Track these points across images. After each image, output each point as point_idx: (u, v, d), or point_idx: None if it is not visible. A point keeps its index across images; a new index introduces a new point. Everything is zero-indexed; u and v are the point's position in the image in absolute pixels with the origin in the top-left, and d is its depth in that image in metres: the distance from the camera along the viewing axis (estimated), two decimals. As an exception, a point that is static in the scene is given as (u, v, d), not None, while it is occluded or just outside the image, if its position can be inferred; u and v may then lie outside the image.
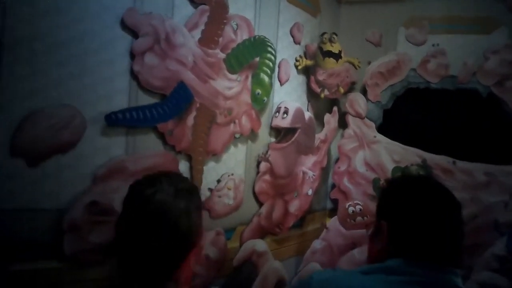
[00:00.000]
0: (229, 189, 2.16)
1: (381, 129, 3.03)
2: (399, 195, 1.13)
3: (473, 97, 2.82)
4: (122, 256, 1.06)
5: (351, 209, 2.69)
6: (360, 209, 2.67)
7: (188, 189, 1.15)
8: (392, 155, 2.94)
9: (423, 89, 2.96)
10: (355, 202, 2.72)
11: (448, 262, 1.03)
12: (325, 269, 1.24)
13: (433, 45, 2.93)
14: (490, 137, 2.79)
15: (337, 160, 3.14)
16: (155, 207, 1.04)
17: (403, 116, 3.01)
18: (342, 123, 3.12)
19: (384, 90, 3.01)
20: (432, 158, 2.85)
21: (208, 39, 2.03)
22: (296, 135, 2.53)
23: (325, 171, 3.14)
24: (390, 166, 2.93)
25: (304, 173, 2.66)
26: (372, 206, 2.88)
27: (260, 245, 2.25)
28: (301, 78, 2.77)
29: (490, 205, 2.69)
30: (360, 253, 2.63)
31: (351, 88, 3.14)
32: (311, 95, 2.84)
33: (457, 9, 2.97)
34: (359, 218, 2.66)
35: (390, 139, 2.97)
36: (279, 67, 2.51)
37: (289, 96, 2.62)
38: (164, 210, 1.03)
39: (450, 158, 2.81)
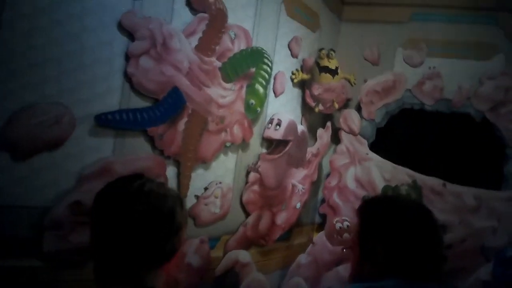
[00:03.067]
0: (216, 197, 2.15)
1: (373, 147, 3.03)
2: (387, 217, 1.14)
3: (467, 121, 2.84)
4: (110, 249, 1.01)
5: (338, 225, 2.67)
6: (348, 226, 2.66)
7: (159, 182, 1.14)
8: (383, 173, 2.93)
9: (418, 110, 2.97)
10: (342, 218, 2.70)
11: (438, 278, 1.07)
12: None
13: (429, 67, 2.95)
14: (481, 162, 2.79)
15: (328, 175, 3.13)
16: (149, 196, 1.01)
17: (396, 136, 3.02)
18: (335, 139, 3.12)
19: (378, 108, 3.02)
20: (423, 179, 2.85)
21: (205, 47, 2.03)
22: (287, 147, 2.53)
23: (315, 185, 3.13)
24: (380, 184, 2.93)
25: (293, 185, 2.65)
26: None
27: (244, 255, 2.22)
28: (297, 91, 2.78)
29: (479, 229, 2.68)
30: (345, 270, 2.60)
31: (346, 104, 3.15)
32: (306, 108, 2.85)
33: (456, 34, 3.00)
34: (346, 235, 2.65)
35: (382, 157, 2.97)
36: (274, 79, 2.52)
37: (283, 108, 2.62)
38: (160, 198, 1.02)
39: (441, 180, 2.80)
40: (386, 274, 1.08)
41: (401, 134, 3.01)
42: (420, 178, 2.86)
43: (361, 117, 3.05)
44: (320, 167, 3.21)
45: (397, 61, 3.09)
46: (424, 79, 2.93)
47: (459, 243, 2.72)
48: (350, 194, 3.01)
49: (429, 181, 2.84)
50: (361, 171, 3.00)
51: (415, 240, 1.08)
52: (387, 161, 2.96)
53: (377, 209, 1.20)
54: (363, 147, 3.03)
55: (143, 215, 0.98)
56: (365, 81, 3.04)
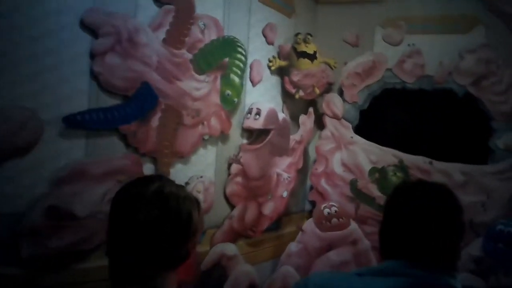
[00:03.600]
0: (198, 192, 2.12)
1: (358, 130, 3.01)
2: (395, 199, 1.13)
3: (450, 96, 2.81)
4: (124, 251, 1.00)
5: (326, 210, 2.65)
6: (336, 211, 2.63)
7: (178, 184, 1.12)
8: (369, 155, 2.92)
9: (400, 89, 2.94)
10: (330, 204, 2.68)
11: (445, 263, 1.03)
12: (323, 271, 1.26)
13: (408, 45, 2.92)
14: (467, 137, 2.78)
15: (315, 161, 3.11)
16: (167, 200, 1.00)
17: (380, 117, 3.00)
18: (320, 124, 3.10)
19: (360, 90, 3.00)
20: (409, 159, 2.84)
21: (173, 39, 2.00)
22: (269, 136, 2.51)
23: (303, 173, 3.11)
24: (367, 167, 2.92)
25: (278, 175, 2.63)
26: (349, 207, 2.86)
27: (230, 248, 2.21)
28: (275, 79, 2.75)
29: (467, 205, 2.66)
30: (336, 255, 2.59)
31: (328, 88, 3.12)
32: (286, 96, 2.82)
33: (435, 9, 2.96)
34: (334, 220, 2.63)
35: (367, 139, 2.95)
36: (251, 67, 2.49)
37: (262, 97, 2.59)
38: (178, 203, 1.00)
39: (427, 158, 2.79)
40: (389, 255, 1.07)
41: (385, 115, 2.99)
42: (407, 158, 2.85)
43: (344, 100, 3.02)
44: (306, 154, 3.20)
45: (376, 41, 3.05)
46: (404, 57, 2.90)
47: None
48: (338, 179, 3.00)
49: (415, 160, 2.83)
50: (347, 155, 2.99)
51: (417, 224, 1.04)
52: (372, 143, 2.94)
53: (391, 194, 1.18)
54: (347, 131, 3.01)
55: (159, 220, 0.97)
56: (345, 63, 3.00)
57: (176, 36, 2.00)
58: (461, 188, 2.69)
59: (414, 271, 1.00)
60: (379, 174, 2.87)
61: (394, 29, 3.00)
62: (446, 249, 1.03)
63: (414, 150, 2.83)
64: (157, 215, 0.96)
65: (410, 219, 1.05)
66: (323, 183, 3.02)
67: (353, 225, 2.65)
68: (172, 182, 1.06)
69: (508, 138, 2.68)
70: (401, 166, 2.83)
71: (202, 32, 2.12)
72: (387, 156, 2.89)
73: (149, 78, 1.90)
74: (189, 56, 2.06)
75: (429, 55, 2.89)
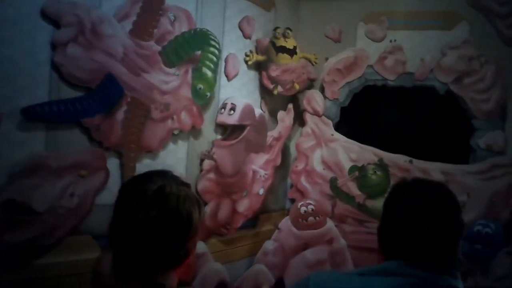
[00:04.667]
0: (167, 187, 2.09)
1: (338, 127, 2.98)
2: (394, 198, 1.12)
3: (431, 94, 2.78)
4: (124, 248, 1.01)
5: (303, 209, 2.63)
6: (312, 209, 2.61)
7: (182, 181, 1.10)
8: (349, 153, 2.89)
9: (381, 87, 2.92)
10: (307, 202, 2.65)
11: (445, 263, 1.03)
12: (323, 271, 1.27)
13: (390, 41, 2.89)
14: (448, 136, 2.75)
15: (295, 158, 3.09)
16: (168, 200, 1.00)
17: (361, 114, 2.97)
18: (301, 121, 3.07)
19: (341, 87, 2.97)
20: (389, 157, 2.81)
21: (141, 31, 1.96)
22: (245, 132, 2.47)
23: (283, 170, 3.09)
24: (347, 165, 2.89)
25: (254, 171, 2.60)
26: (328, 205, 2.84)
27: (198, 246, 2.17)
28: (253, 74, 2.71)
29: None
30: (312, 254, 2.57)
31: (310, 85, 3.09)
32: (265, 91, 2.79)
33: (418, 4, 2.93)
34: (311, 218, 2.60)
35: (347, 137, 2.93)
36: (226, 61, 2.45)
37: (238, 92, 2.56)
38: (178, 203, 1.01)
39: (407, 156, 2.76)
40: (389, 255, 1.07)
41: (366, 112, 2.96)
42: (387, 156, 2.82)
43: (325, 97, 2.99)
44: (288, 151, 3.17)
45: (359, 37, 3.02)
46: (385, 53, 2.86)
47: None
48: (318, 176, 2.97)
49: (395, 159, 2.80)
50: (328, 152, 2.96)
51: (416, 224, 1.04)
52: (353, 141, 2.92)
53: (389, 195, 1.16)
54: (328, 128, 2.98)
55: (158, 220, 0.98)
56: (326, 59, 2.97)
57: (144, 27, 1.97)
58: (441, 187, 2.67)
59: (414, 271, 1.00)
60: (359, 172, 2.84)
61: (376, 24, 2.96)
62: (446, 248, 1.03)
63: (394, 148, 2.81)
64: (156, 215, 0.98)
65: (409, 219, 1.05)
66: (303, 181, 3.00)
67: (330, 223, 2.63)
68: (176, 179, 1.06)
69: (489, 137, 2.65)
70: (381, 165, 2.80)
71: (172, 24, 2.09)
72: (367, 154, 2.86)
73: (114, 70, 1.86)
74: (158, 48, 2.03)
75: (411, 51, 2.86)
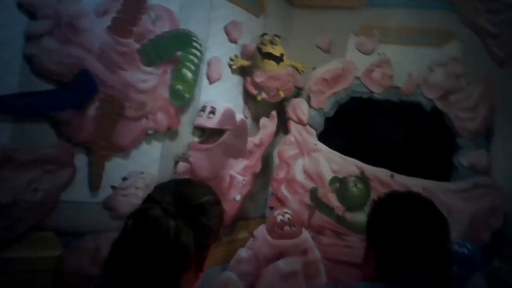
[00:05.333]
0: (137, 188, 2.07)
1: (322, 137, 2.97)
2: (380, 222, 1.11)
3: (417, 110, 2.78)
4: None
5: (279, 218, 2.59)
6: (289, 218, 2.58)
7: (197, 205, 1.03)
8: (331, 164, 2.88)
9: (367, 99, 2.91)
10: (284, 211, 2.63)
11: (437, 280, 1.02)
12: None
13: (378, 54, 2.89)
14: (431, 152, 2.74)
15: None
16: (145, 222, 0.97)
17: (345, 125, 2.96)
18: (285, 129, 3.06)
19: (327, 97, 2.96)
20: (371, 170, 2.80)
21: (120, 28, 1.95)
22: (224, 137, 2.46)
23: (265, 178, 3.07)
24: (328, 175, 2.88)
25: (232, 177, 2.58)
26: (305, 215, 2.82)
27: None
28: (237, 79, 2.71)
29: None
30: (285, 264, 2.54)
31: (297, 93, 3.09)
32: (249, 97, 2.78)
33: (411, 20, 2.94)
34: (286, 228, 2.57)
35: (330, 148, 2.91)
36: (208, 64, 2.44)
37: (221, 96, 2.55)
38: (154, 227, 0.96)
39: (389, 171, 2.75)
40: (380, 275, 1.06)
41: (350, 123, 2.95)
42: (368, 169, 2.81)
43: (310, 106, 2.98)
44: (270, 159, 3.16)
45: (349, 49, 3.02)
46: (373, 66, 2.87)
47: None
48: (299, 186, 2.95)
49: (377, 173, 2.79)
50: (310, 162, 2.95)
51: (409, 243, 1.03)
52: (335, 152, 2.91)
53: (375, 209, 1.15)
54: (311, 138, 2.97)
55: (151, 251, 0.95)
56: (314, 69, 2.97)
57: (123, 24, 1.96)
58: (421, 204, 2.65)
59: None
60: (339, 184, 2.83)
61: (367, 37, 2.97)
62: (437, 266, 1.03)
63: (377, 161, 2.80)
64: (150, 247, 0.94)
65: (398, 243, 1.04)
66: (283, 190, 2.98)
67: (305, 234, 2.60)
68: (185, 199, 1.01)
69: (473, 156, 2.65)
70: (362, 178, 2.79)
71: (154, 23, 2.08)
72: (349, 166, 2.85)
73: (89, 65, 1.85)
74: (137, 46, 2.02)
75: (399, 66, 2.86)
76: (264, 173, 3.02)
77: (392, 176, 2.74)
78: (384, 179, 2.76)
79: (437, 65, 2.75)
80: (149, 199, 1.01)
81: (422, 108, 2.77)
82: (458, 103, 2.70)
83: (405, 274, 1.01)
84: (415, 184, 2.70)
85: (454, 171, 2.71)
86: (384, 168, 2.78)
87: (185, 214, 0.98)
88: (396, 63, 2.87)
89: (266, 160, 3.13)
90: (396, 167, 2.75)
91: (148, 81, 2.07)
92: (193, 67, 2.21)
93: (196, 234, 0.97)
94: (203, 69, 2.40)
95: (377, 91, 2.86)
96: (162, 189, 1.04)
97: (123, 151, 2.05)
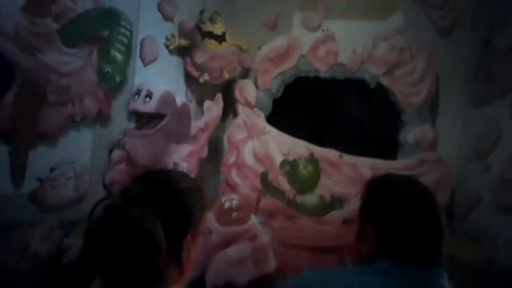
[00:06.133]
0: (67, 179, 1.98)
1: (270, 119, 2.93)
2: (383, 198, 1.10)
3: (362, 87, 2.78)
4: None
5: (227, 204, 2.56)
6: (236, 205, 2.55)
7: (170, 192, 1.00)
8: (281, 147, 2.86)
9: (313, 78, 2.88)
10: (231, 197, 2.59)
11: (433, 261, 1.04)
12: (314, 270, 1.24)
13: (323, 30, 2.86)
14: (377, 130, 2.75)
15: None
16: (105, 213, 0.93)
17: (293, 106, 2.93)
18: (234, 112, 3.00)
19: (274, 77, 2.92)
20: (320, 152, 2.79)
21: (35, 7, 1.83)
22: (163, 121, 2.38)
23: (215, 164, 3.01)
24: (278, 158, 2.85)
25: (175, 163, 2.51)
26: (253, 201, 2.79)
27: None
28: (176, 59, 2.62)
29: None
30: (234, 252, 2.51)
31: (244, 74, 3.03)
32: (191, 79, 2.70)
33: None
34: (234, 214, 2.54)
35: (279, 129, 2.88)
36: (141, 45, 2.35)
37: (158, 78, 2.46)
38: (114, 216, 0.92)
39: (337, 151, 2.75)
40: (380, 255, 1.05)
41: (298, 104, 2.92)
42: (317, 150, 2.80)
43: (257, 87, 2.94)
44: (221, 143, 3.11)
45: (295, 25, 2.98)
46: (318, 43, 2.84)
47: (356, 216, 2.68)
48: (249, 170, 2.92)
49: (326, 154, 2.79)
50: (259, 145, 2.91)
51: (408, 223, 1.05)
52: (284, 134, 2.88)
53: (373, 189, 1.15)
54: (260, 120, 2.93)
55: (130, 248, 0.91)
56: (259, 48, 2.91)
57: (39, 3, 1.84)
58: (370, 183, 2.67)
59: (407, 270, 1.01)
60: (290, 167, 2.81)
61: (312, 12, 2.92)
62: (433, 247, 1.05)
63: (325, 141, 2.79)
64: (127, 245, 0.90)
65: (399, 222, 1.05)
66: (234, 175, 2.93)
67: (253, 219, 2.58)
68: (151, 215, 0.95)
69: (418, 132, 2.67)
70: (312, 160, 2.78)
71: (74, 0, 1.97)
72: (298, 148, 2.84)
73: (3, 49, 1.73)
74: (56, 26, 1.90)
75: (345, 42, 2.84)
76: (214, 158, 2.97)
77: (340, 156, 2.74)
78: (333, 159, 2.76)
79: (380, 39, 2.75)
80: (121, 189, 0.98)
81: (367, 85, 2.77)
82: (402, 77, 2.73)
83: (405, 250, 1.03)
84: (363, 163, 2.72)
85: (400, 148, 2.73)
86: (332, 148, 2.77)
87: (155, 201, 0.95)
88: (340, 39, 2.85)
89: (216, 145, 3.08)
90: (345, 147, 2.75)
91: (71, 63, 1.96)
92: (122, 48, 2.12)
93: (170, 222, 0.95)
94: (136, 49, 2.30)
95: (323, 69, 2.84)
96: (135, 178, 1.01)
97: (48, 139, 1.94)
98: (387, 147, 2.73)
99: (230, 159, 2.96)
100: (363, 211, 1.14)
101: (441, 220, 1.07)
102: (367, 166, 2.68)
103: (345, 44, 2.83)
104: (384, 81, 2.72)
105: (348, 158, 2.73)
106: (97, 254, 0.91)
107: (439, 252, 1.06)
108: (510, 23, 2.40)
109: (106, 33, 2.07)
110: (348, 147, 2.73)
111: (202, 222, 1.04)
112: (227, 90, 2.97)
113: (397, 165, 2.68)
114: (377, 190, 1.14)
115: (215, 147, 3.05)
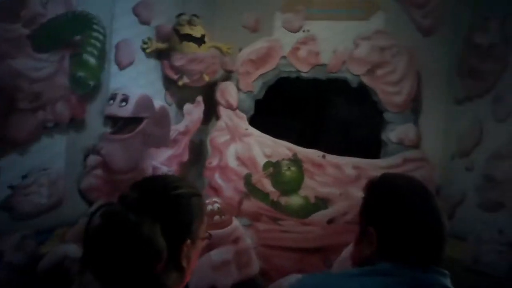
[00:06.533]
0: (41, 186, 1.97)
1: (252, 121, 2.92)
2: (384, 200, 1.09)
3: (344, 87, 2.77)
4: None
5: (209, 207, 2.55)
6: (218, 208, 2.54)
7: (166, 199, 0.99)
8: (264, 149, 2.84)
9: (295, 79, 2.88)
10: (213, 200, 2.58)
11: (434, 263, 1.03)
12: (314, 274, 1.26)
13: (303, 31, 2.86)
14: (360, 129, 2.75)
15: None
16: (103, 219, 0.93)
17: (275, 108, 2.93)
18: (215, 115, 2.99)
19: (255, 79, 2.91)
20: (303, 152, 2.78)
21: (4, 13, 1.82)
22: (141, 125, 2.38)
23: (199, 167, 3.00)
24: (261, 160, 2.84)
25: (155, 168, 2.50)
26: (235, 204, 2.78)
27: (74, 249, 2.06)
28: (154, 63, 2.62)
29: (359, 201, 2.63)
30: (217, 255, 2.50)
31: (226, 76, 3.02)
32: (171, 82, 2.69)
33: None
34: (216, 217, 2.53)
35: (262, 131, 2.87)
36: (116, 48, 2.34)
37: (135, 82, 2.46)
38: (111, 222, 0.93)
39: (320, 152, 2.74)
40: (381, 257, 1.04)
41: (280, 105, 2.92)
42: (301, 151, 2.79)
43: (239, 89, 2.93)
44: (204, 147, 3.09)
45: (276, 27, 2.97)
46: (299, 44, 2.83)
47: (340, 216, 2.68)
48: (232, 173, 2.91)
49: (309, 154, 2.78)
50: (242, 148, 2.90)
51: (410, 224, 1.04)
52: (267, 135, 2.87)
53: (374, 190, 1.14)
54: (242, 122, 2.91)
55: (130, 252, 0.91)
56: (240, 50, 2.91)
57: (8, 8, 1.84)
58: (353, 182, 2.66)
59: (407, 272, 1.00)
60: (273, 168, 2.80)
61: (293, 14, 2.92)
62: (435, 248, 1.05)
63: (308, 142, 2.78)
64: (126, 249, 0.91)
65: (400, 223, 1.04)
66: (217, 178, 2.92)
67: (236, 222, 2.57)
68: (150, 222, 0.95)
69: (401, 131, 2.67)
70: (295, 160, 2.77)
71: (45, 5, 1.96)
72: (281, 149, 2.83)
73: (-30, 55, 1.73)
74: (26, 31, 1.90)
75: (326, 42, 2.84)
76: (198, 162, 2.96)
77: (324, 156, 2.73)
78: (316, 160, 2.75)
79: (361, 38, 2.75)
80: (119, 196, 0.98)
81: (349, 85, 2.77)
82: (383, 77, 2.72)
83: (407, 252, 1.02)
84: (347, 162, 2.71)
85: (383, 147, 2.72)
86: (315, 149, 2.76)
87: (154, 208, 0.95)
88: (322, 39, 2.85)
89: (199, 149, 3.07)
90: (327, 147, 2.74)
91: (42, 69, 1.96)
92: (95, 52, 2.11)
93: (169, 227, 0.95)
94: (111, 53, 2.30)
95: (304, 70, 2.83)
96: (133, 185, 1.01)
97: (19, 146, 1.93)
98: (370, 146, 2.72)
99: (213, 162, 2.95)
100: (364, 212, 1.14)
101: (442, 220, 1.07)
102: (351, 166, 2.68)
103: (327, 45, 2.83)
104: (366, 81, 2.72)
105: (332, 158, 2.72)
106: (96, 261, 0.91)
107: (441, 253, 1.05)
108: (491, 21, 2.41)
109: (78, 37, 2.07)
110: (331, 147, 2.72)
111: (202, 227, 1.04)
112: (209, 93, 2.96)
113: (381, 164, 2.68)
114: (377, 191, 1.13)
115: (199, 151, 3.04)
